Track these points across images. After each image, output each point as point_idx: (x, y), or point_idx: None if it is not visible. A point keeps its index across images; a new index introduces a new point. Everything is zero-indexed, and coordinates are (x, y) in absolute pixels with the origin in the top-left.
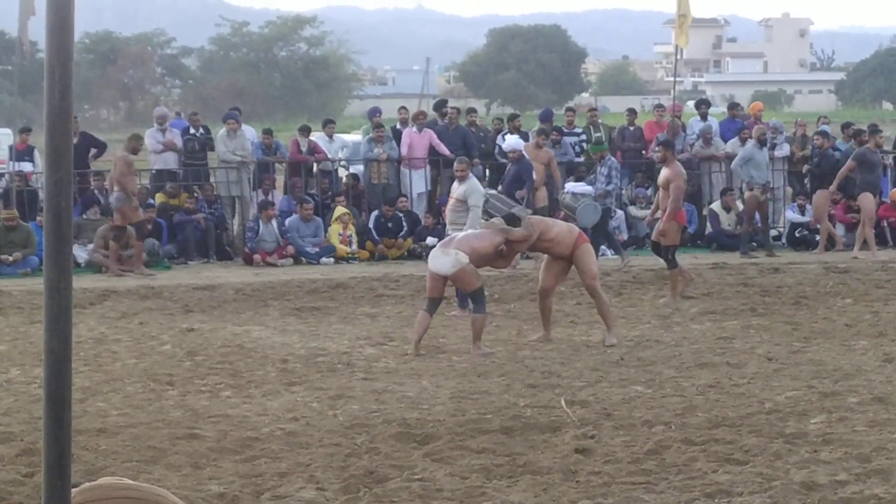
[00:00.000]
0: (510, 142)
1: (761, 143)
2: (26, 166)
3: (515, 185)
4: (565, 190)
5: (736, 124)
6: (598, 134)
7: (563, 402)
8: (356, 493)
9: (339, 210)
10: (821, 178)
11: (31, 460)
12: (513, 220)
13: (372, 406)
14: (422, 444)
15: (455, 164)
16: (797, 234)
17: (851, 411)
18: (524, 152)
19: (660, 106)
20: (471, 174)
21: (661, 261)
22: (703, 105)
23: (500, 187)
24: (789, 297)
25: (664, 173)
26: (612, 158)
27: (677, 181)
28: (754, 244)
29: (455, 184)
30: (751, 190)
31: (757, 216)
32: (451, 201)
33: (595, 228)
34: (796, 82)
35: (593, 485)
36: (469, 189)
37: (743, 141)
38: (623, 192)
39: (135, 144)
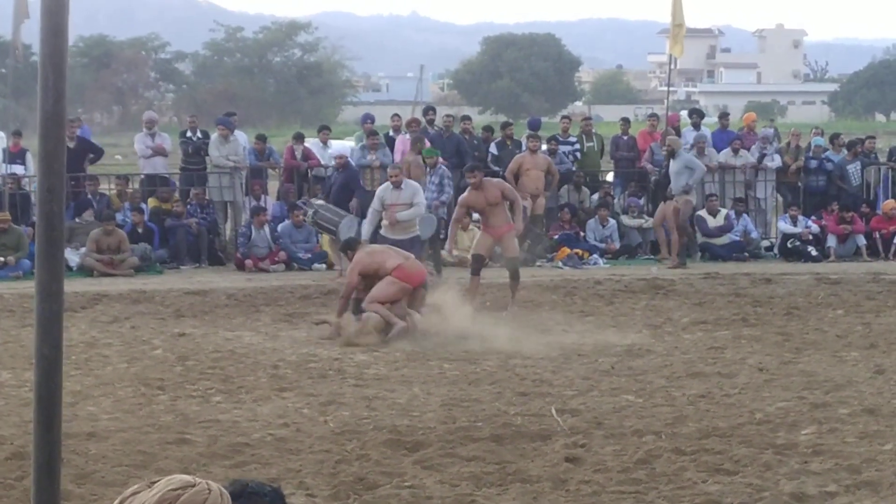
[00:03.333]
0: (336, 148)
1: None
2: (18, 169)
3: (344, 194)
4: (318, 201)
5: (728, 135)
6: (429, 147)
7: (553, 411)
8: (346, 500)
9: None
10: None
11: (21, 464)
12: (350, 244)
13: (362, 413)
14: (412, 451)
15: (389, 170)
16: (789, 245)
17: (842, 422)
18: (350, 159)
19: (653, 115)
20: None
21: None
22: (695, 114)
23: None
24: (781, 307)
25: None
26: (444, 167)
27: None
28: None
29: (393, 190)
30: (688, 193)
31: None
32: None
33: (430, 241)
34: (790, 93)
35: (583, 494)
36: (413, 188)
37: (735, 151)
38: (616, 201)
39: None
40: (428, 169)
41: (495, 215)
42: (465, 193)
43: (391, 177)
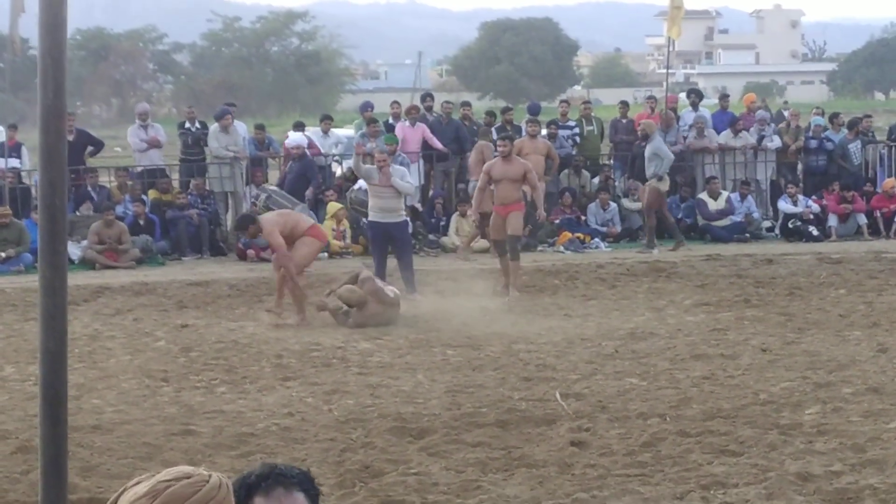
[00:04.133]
0: (292, 138)
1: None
2: (14, 163)
3: (300, 183)
4: (356, 186)
5: (728, 116)
6: (390, 133)
7: (557, 396)
8: (352, 488)
9: (333, 206)
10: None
11: (27, 458)
12: (243, 221)
13: (367, 401)
14: (417, 438)
15: (377, 154)
16: (790, 225)
17: (846, 402)
18: (307, 149)
19: (651, 98)
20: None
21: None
22: (693, 95)
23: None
24: (783, 288)
25: None
26: (403, 154)
27: None
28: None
29: (498, 163)
30: (660, 180)
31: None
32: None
33: None
34: (788, 73)
35: (589, 477)
36: (401, 173)
37: (736, 133)
38: (616, 184)
39: None
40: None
41: (509, 191)
42: (491, 160)
43: (378, 161)
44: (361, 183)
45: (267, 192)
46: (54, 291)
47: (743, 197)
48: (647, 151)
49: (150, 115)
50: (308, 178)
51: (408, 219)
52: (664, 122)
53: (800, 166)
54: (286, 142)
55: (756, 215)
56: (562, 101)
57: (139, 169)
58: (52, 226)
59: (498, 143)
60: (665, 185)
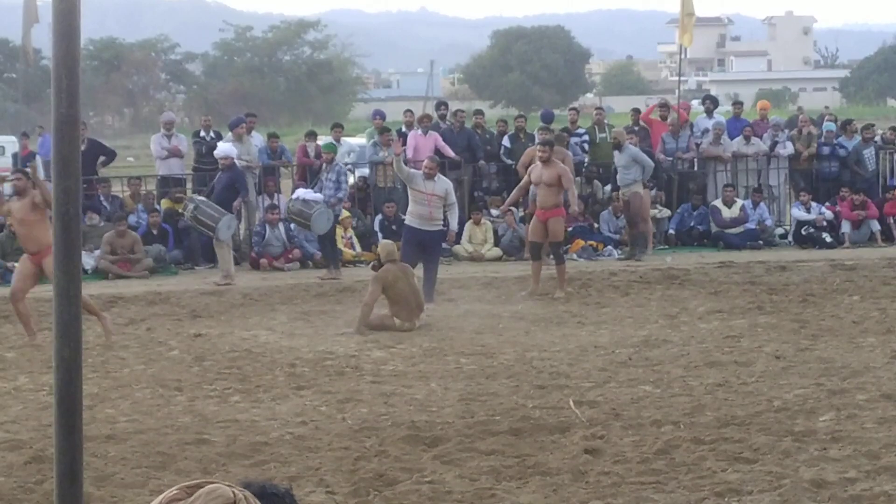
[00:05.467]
0: (222, 149)
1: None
2: None
3: (228, 193)
4: (294, 196)
5: (742, 123)
6: (329, 141)
7: (571, 403)
8: (366, 497)
9: (344, 213)
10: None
11: (41, 468)
12: None
13: (380, 409)
14: (431, 446)
15: (426, 162)
16: (803, 232)
17: (860, 408)
18: (235, 160)
19: (664, 104)
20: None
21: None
22: (708, 101)
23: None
24: (796, 294)
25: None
26: (340, 164)
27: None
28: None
29: (427, 182)
30: (646, 187)
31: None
32: (431, 197)
33: (323, 237)
34: (800, 80)
35: (603, 485)
36: (446, 185)
37: (747, 139)
38: None
39: None
40: (325, 165)
41: (547, 196)
42: (533, 165)
43: (427, 168)
44: (299, 192)
45: (195, 202)
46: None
47: (755, 204)
48: (623, 160)
49: (174, 125)
50: (237, 189)
51: (444, 228)
52: (673, 129)
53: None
54: (214, 152)
55: (769, 223)
56: (571, 109)
57: (158, 177)
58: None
59: (539, 149)
60: (640, 189)
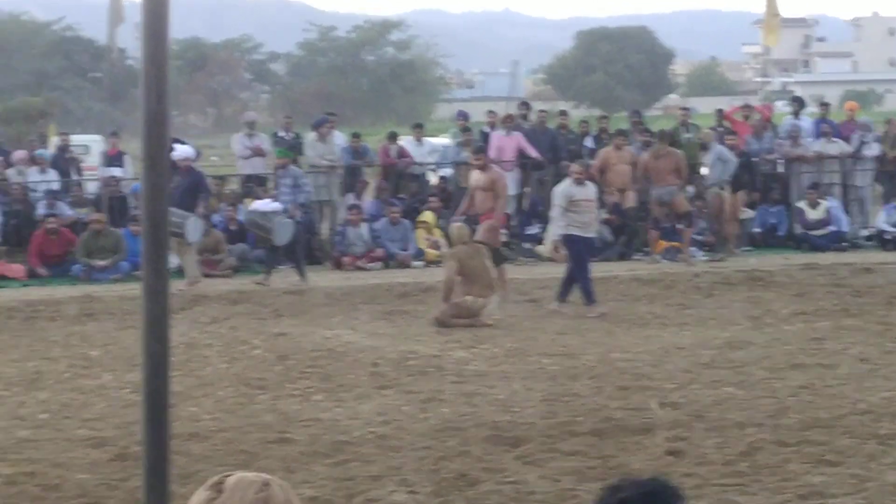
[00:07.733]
0: (181, 151)
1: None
2: (116, 172)
3: (189, 197)
4: (251, 208)
5: (828, 124)
6: (283, 148)
7: (654, 404)
8: (448, 497)
9: (427, 214)
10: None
11: (125, 465)
12: None
13: (463, 409)
14: (513, 446)
15: (576, 166)
16: (887, 236)
17: None
18: (191, 162)
19: (747, 106)
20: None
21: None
22: (795, 102)
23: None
24: (882, 297)
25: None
26: (294, 167)
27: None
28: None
29: (577, 187)
30: (721, 189)
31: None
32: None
33: (290, 245)
34: (886, 81)
35: (686, 487)
36: (593, 188)
37: (826, 136)
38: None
39: None
40: (277, 171)
41: (484, 201)
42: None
43: (576, 174)
44: (258, 204)
45: None
46: (157, 296)
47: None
48: (709, 158)
49: (256, 125)
50: (198, 192)
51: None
52: (756, 131)
53: None
54: (173, 154)
55: (845, 228)
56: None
57: (239, 177)
58: (154, 231)
59: (472, 157)
60: (727, 192)
